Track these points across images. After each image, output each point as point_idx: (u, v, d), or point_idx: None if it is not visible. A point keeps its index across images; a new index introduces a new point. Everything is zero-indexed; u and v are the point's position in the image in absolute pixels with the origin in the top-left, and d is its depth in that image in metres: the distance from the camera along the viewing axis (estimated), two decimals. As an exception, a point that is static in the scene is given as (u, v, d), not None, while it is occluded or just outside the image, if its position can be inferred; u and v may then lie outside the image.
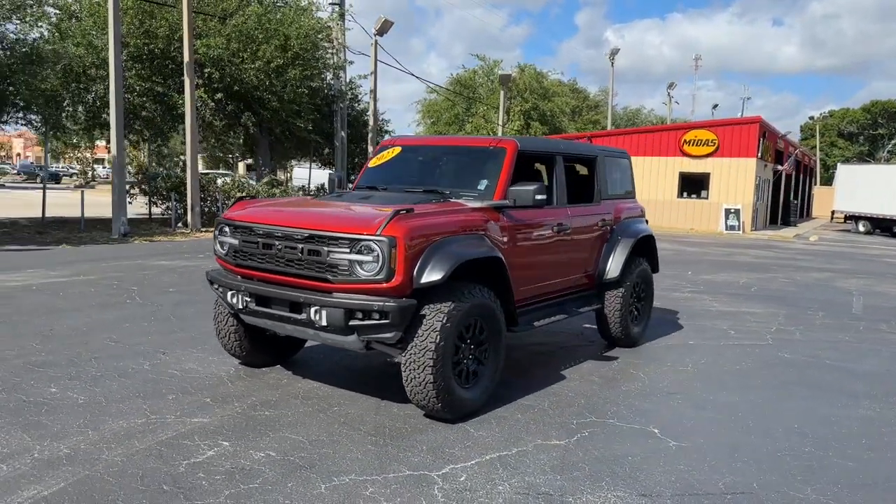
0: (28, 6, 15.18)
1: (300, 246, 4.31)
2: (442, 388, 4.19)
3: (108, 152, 19.18)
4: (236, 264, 4.73)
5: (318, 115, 22.63)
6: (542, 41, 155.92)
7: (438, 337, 4.14)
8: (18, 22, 15.08)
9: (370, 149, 23.93)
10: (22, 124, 17.96)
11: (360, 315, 4.14)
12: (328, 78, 24.00)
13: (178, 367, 5.31)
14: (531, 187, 4.95)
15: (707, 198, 26.13)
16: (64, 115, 19.07)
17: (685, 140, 26.44)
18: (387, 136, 25.95)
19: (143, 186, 19.55)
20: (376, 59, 23.61)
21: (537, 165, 6.42)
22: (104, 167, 32.46)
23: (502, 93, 31.74)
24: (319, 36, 21.70)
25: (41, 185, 20.95)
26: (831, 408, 5.07)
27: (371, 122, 23.95)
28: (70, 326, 6.45)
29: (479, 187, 5.20)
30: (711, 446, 4.20)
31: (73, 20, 19.78)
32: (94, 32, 18.50)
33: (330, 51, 23.81)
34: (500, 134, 31.76)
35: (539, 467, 3.75)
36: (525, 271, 5.25)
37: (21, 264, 10.32)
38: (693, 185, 26.57)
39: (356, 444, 3.95)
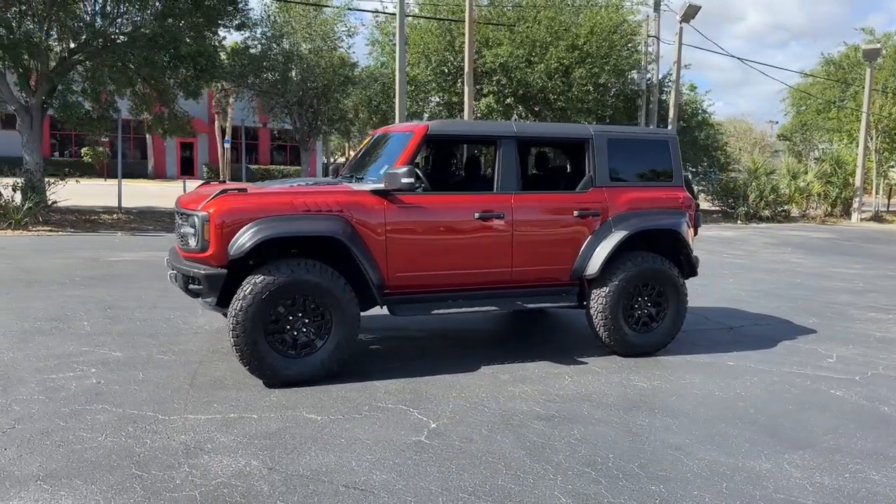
0: (338, 38, 18.69)
1: (178, 220, 5.19)
2: (247, 353, 4.62)
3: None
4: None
5: (611, 111, 22.38)
6: None
7: (240, 305, 4.60)
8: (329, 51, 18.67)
9: (669, 143, 22.65)
10: (339, 134, 21.98)
11: (190, 280, 4.84)
12: (632, 73, 23.51)
13: (190, 322, 6.61)
14: (399, 170, 4.94)
15: None
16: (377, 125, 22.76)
17: None
18: (703, 131, 24.33)
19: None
20: (680, 48, 22.26)
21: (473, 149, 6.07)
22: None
23: (869, 71, 26.59)
24: (615, 34, 21.40)
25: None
26: (735, 457, 3.91)
27: (671, 114, 22.66)
28: (191, 286, 8.32)
29: (380, 171, 5.33)
30: (450, 448, 3.80)
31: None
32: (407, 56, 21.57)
33: (640, 44, 23.32)
34: (863, 121, 26.74)
35: (237, 429, 3.96)
36: (419, 256, 5.21)
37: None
38: None
39: (162, 388, 4.67)
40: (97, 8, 16.73)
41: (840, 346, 6.47)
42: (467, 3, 18.17)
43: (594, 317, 5.73)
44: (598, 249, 5.65)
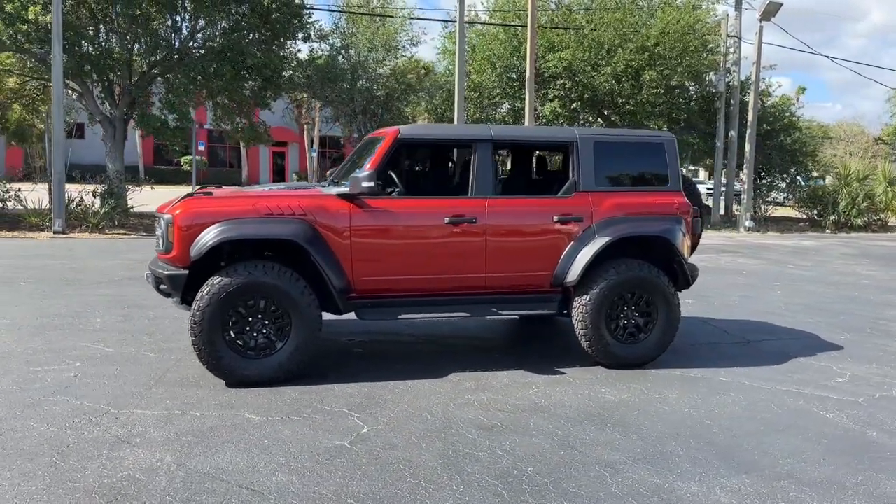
0: (400, 48, 18.97)
1: (155, 224, 5.41)
2: (205, 352, 4.75)
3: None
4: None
5: (685, 114, 21.53)
6: None
7: (198, 305, 4.73)
8: (394, 60, 18.96)
9: (747, 147, 21.59)
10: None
11: (158, 280, 5.02)
12: (710, 74, 22.56)
13: (195, 320, 6.86)
14: (360, 174, 4.96)
15: None
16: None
17: None
18: (790, 135, 23.12)
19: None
20: (760, 48, 21.14)
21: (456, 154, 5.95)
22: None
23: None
24: (689, 34, 20.55)
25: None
26: (666, 477, 3.68)
27: (750, 118, 21.50)
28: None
29: (352, 175, 5.35)
30: (367, 454, 3.77)
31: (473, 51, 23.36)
32: (471, 63, 21.60)
33: (718, 45, 22.40)
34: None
35: (173, 426, 4.06)
36: (385, 261, 5.19)
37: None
38: None
39: (129, 383, 4.86)
40: (176, 24, 17.72)
41: (860, 364, 5.95)
42: (530, 8, 18.01)
43: (576, 325, 5.53)
44: (578, 256, 5.44)
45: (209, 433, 4.02)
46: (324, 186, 5.45)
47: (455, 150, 6.03)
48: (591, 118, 21.74)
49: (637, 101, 20.11)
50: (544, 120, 20.75)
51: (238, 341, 4.86)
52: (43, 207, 15.63)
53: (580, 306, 5.46)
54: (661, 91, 19.99)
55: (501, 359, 5.85)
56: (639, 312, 5.61)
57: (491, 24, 21.52)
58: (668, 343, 5.69)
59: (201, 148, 44.35)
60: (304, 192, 5.24)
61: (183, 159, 40.53)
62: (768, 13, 20.71)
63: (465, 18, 18.73)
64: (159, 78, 18.05)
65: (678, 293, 5.74)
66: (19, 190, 15.94)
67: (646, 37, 19.94)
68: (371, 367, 5.44)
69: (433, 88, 20.67)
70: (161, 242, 4.98)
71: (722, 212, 23.96)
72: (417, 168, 6.16)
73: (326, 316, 5.33)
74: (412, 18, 20.44)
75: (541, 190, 6.03)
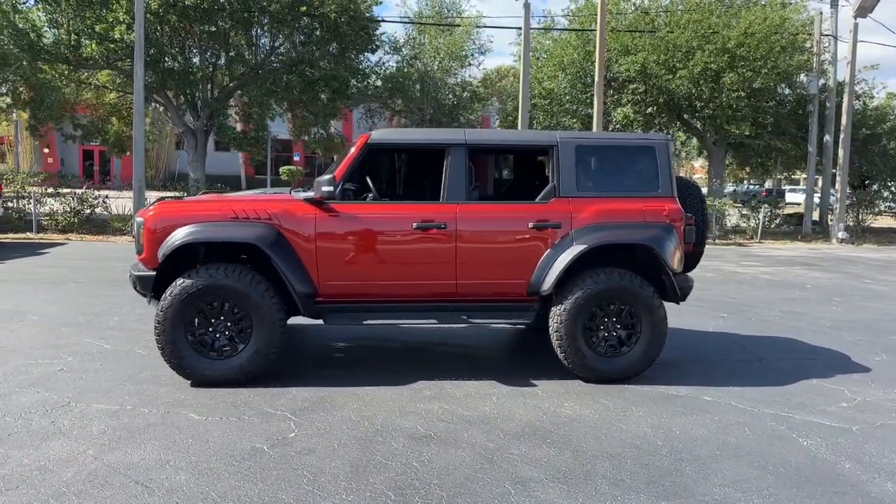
0: (468, 56, 18.99)
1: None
2: (167, 351, 4.90)
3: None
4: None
5: (771, 118, 20.29)
6: None
7: (162, 306, 4.90)
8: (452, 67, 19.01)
9: (840, 153, 20.06)
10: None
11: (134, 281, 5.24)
12: (800, 76, 21.19)
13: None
14: (321, 179, 5.00)
15: None
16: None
17: None
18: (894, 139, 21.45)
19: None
20: (854, 47, 19.63)
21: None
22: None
23: None
24: (776, 34, 19.38)
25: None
26: (576, 498, 3.47)
27: (844, 121, 19.96)
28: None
29: (316, 180, 5.39)
30: (280, 458, 3.76)
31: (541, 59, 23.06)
32: (543, 69, 21.32)
33: (810, 44, 21.05)
34: None
35: (115, 421, 4.23)
36: (351, 266, 5.17)
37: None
38: None
39: (103, 379, 5.10)
40: (252, 40, 18.54)
41: (880, 389, 5.37)
42: (599, 10, 17.59)
43: (552, 336, 5.31)
44: (554, 264, 5.22)
45: (143, 429, 4.13)
46: (296, 191, 5.51)
47: (428, 155, 5.93)
48: (668, 123, 20.91)
49: (717, 105, 19.16)
50: (617, 125, 20.15)
51: (201, 342, 4.99)
52: (126, 213, 16.72)
53: (556, 316, 5.24)
54: (743, 94, 18.94)
55: (484, 368, 5.69)
56: (621, 325, 5.32)
57: (559, 29, 21.19)
58: (654, 357, 5.35)
59: (296, 158, 46.25)
60: (274, 198, 5.33)
61: (281, 169, 42.21)
62: (864, 9, 19.19)
63: (540, 24, 18.50)
64: (239, 90, 18.94)
65: (664, 304, 5.39)
66: (107, 197, 17.12)
67: (727, 38, 18.97)
68: (340, 372, 5.45)
69: (503, 95, 20.55)
70: (137, 244, 5.20)
71: (816, 220, 22.41)
72: (392, 173, 6.13)
73: (313, 320, 5.37)
74: (479, 27, 20.41)
75: (522, 196, 5.85)
